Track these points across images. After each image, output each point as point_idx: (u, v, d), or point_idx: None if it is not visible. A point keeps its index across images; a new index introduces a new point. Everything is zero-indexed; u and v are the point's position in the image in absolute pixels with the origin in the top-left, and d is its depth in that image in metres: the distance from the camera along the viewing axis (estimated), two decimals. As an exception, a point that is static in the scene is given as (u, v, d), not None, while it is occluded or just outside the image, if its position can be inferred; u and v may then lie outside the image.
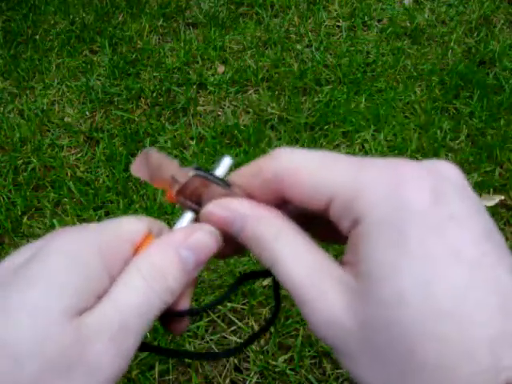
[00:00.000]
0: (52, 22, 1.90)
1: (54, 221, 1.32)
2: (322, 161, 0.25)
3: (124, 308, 0.25)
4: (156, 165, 0.28)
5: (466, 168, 1.41)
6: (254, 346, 1.08)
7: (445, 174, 0.25)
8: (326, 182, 0.24)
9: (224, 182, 0.28)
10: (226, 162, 0.29)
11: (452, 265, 0.21)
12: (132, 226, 0.28)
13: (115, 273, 0.26)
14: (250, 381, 1.06)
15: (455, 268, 0.21)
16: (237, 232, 0.27)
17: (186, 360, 1.08)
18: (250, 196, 0.27)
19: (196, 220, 0.29)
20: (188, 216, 0.28)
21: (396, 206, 0.22)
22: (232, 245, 0.28)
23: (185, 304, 0.28)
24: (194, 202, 0.28)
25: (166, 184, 0.28)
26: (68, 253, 0.25)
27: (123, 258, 0.27)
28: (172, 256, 0.27)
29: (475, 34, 1.81)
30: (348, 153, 1.45)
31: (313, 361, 1.08)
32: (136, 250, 0.27)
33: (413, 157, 1.44)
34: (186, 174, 0.28)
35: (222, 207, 0.27)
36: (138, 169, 0.29)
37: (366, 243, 0.22)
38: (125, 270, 0.26)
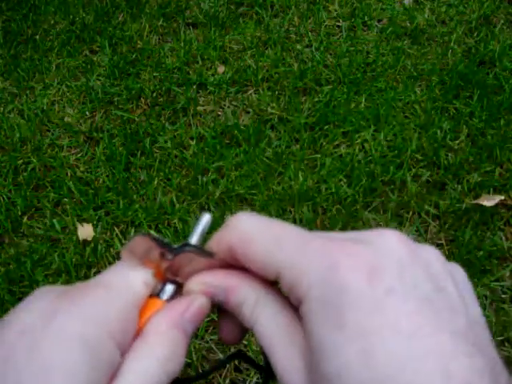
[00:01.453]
0: (52, 21, 1.90)
1: (54, 221, 1.32)
2: (271, 237, 0.26)
3: None
4: (146, 247, 0.29)
5: (466, 168, 1.41)
6: (254, 346, 1.08)
7: (384, 248, 0.25)
8: (272, 263, 0.26)
9: (208, 253, 0.29)
10: (205, 219, 0.31)
11: (390, 337, 0.22)
12: (138, 291, 0.28)
13: (126, 345, 0.27)
14: (250, 381, 1.06)
15: (393, 340, 0.22)
16: (222, 303, 0.29)
17: (186, 360, 1.08)
18: (232, 263, 0.28)
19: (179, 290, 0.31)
20: (170, 288, 0.31)
21: (332, 287, 0.23)
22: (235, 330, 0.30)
23: None
24: (178, 275, 0.30)
25: (155, 263, 0.30)
26: (80, 339, 0.25)
27: (133, 329, 0.28)
28: (180, 332, 0.28)
29: (475, 34, 1.81)
30: (348, 153, 1.45)
31: (313, 361, 1.08)
32: (140, 315, 0.28)
33: (413, 157, 1.44)
34: (173, 252, 0.29)
35: (202, 284, 0.29)
36: (128, 255, 0.30)
37: (309, 323, 0.24)
38: (138, 348, 0.27)
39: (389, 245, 0.25)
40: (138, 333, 0.28)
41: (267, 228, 0.27)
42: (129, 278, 0.29)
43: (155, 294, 0.30)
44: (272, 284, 0.28)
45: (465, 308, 0.24)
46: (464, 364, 0.22)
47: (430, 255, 0.26)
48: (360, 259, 0.24)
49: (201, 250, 0.29)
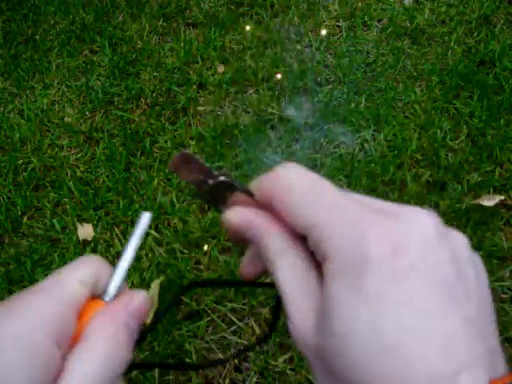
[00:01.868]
0: (52, 22, 1.90)
1: (54, 221, 1.32)
2: (312, 192, 0.27)
3: None
4: (190, 166, 0.31)
5: (466, 168, 1.41)
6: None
7: (414, 226, 0.26)
8: (307, 216, 0.27)
9: (248, 191, 0.31)
10: (145, 218, 0.32)
11: (401, 308, 0.23)
12: (74, 291, 0.29)
13: (65, 346, 0.27)
14: (250, 381, 1.06)
15: (404, 313, 0.23)
16: (249, 239, 0.30)
17: (186, 359, 1.08)
18: (269, 205, 0.30)
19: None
20: (113, 289, 0.31)
21: (357, 253, 0.25)
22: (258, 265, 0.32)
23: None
24: (220, 202, 0.32)
25: (196, 184, 0.32)
26: (16, 341, 0.26)
27: (71, 329, 0.28)
28: (120, 327, 0.29)
29: (475, 34, 1.81)
30: (348, 153, 1.45)
31: (313, 361, 1.08)
32: (79, 316, 0.29)
33: (413, 157, 1.44)
34: (215, 178, 0.31)
35: (238, 217, 0.30)
36: (174, 166, 0.32)
37: (328, 280, 0.25)
38: (79, 348, 0.27)
39: (420, 223, 0.26)
40: (79, 333, 0.28)
41: (309, 182, 0.28)
42: (63, 279, 0.29)
43: (97, 296, 0.31)
44: (299, 237, 0.29)
45: (480, 297, 0.25)
46: (466, 347, 0.23)
47: (459, 241, 0.27)
48: (389, 234, 0.25)
49: (240, 185, 0.31)
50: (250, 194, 0.31)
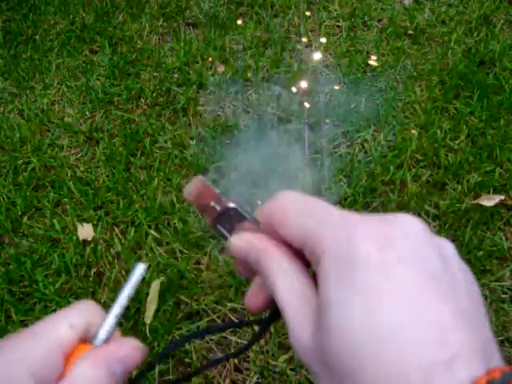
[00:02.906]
0: (52, 22, 1.90)
1: (54, 221, 1.32)
2: (304, 208, 0.30)
3: None
4: (202, 192, 0.33)
5: (466, 168, 1.41)
6: (254, 346, 1.08)
7: (402, 225, 0.27)
8: (301, 229, 0.29)
9: (253, 218, 0.33)
10: (139, 270, 0.33)
11: (393, 299, 0.24)
12: (62, 334, 0.30)
13: (50, 382, 0.29)
14: (250, 381, 1.06)
15: (396, 301, 0.24)
16: (252, 262, 0.32)
17: (186, 360, 1.08)
18: (271, 231, 0.32)
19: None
20: (103, 335, 0.32)
21: (346, 250, 0.26)
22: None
23: None
24: (228, 228, 0.34)
25: (207, 210, 0.34)
26: (1, 377, 0.27)
27: (55, 371, 0.29)
28: (104, 372, 0.30)
29: (475, 34, 1.81)
30: (348, 153, 1.45)
31: (313, 361, 1.08)
32: (67, 359, 0.30)
33: (413, 157, 1.44)
34: (223, 205, 0.33)
35: (243, 241, 0.33)
36: (190, 193, 0.34)
37: (322, 281, 0.27)
38: None
39: (407, 225, 0.27)
40: (65, 374, 0.29)
41: (303, 201, 0.30)
42: (52, 323, 0.31)
43: (88, 340, 0.31)
44: (297, 255, 0.31)
45: (469, 292, 0.26)
46: (460, 336, 0.23)
47: (445, 244, 0.28)
48: (376, 229, 0.26)
49: (246, 212, 0.33)
50: (255, 221, 0.33)
